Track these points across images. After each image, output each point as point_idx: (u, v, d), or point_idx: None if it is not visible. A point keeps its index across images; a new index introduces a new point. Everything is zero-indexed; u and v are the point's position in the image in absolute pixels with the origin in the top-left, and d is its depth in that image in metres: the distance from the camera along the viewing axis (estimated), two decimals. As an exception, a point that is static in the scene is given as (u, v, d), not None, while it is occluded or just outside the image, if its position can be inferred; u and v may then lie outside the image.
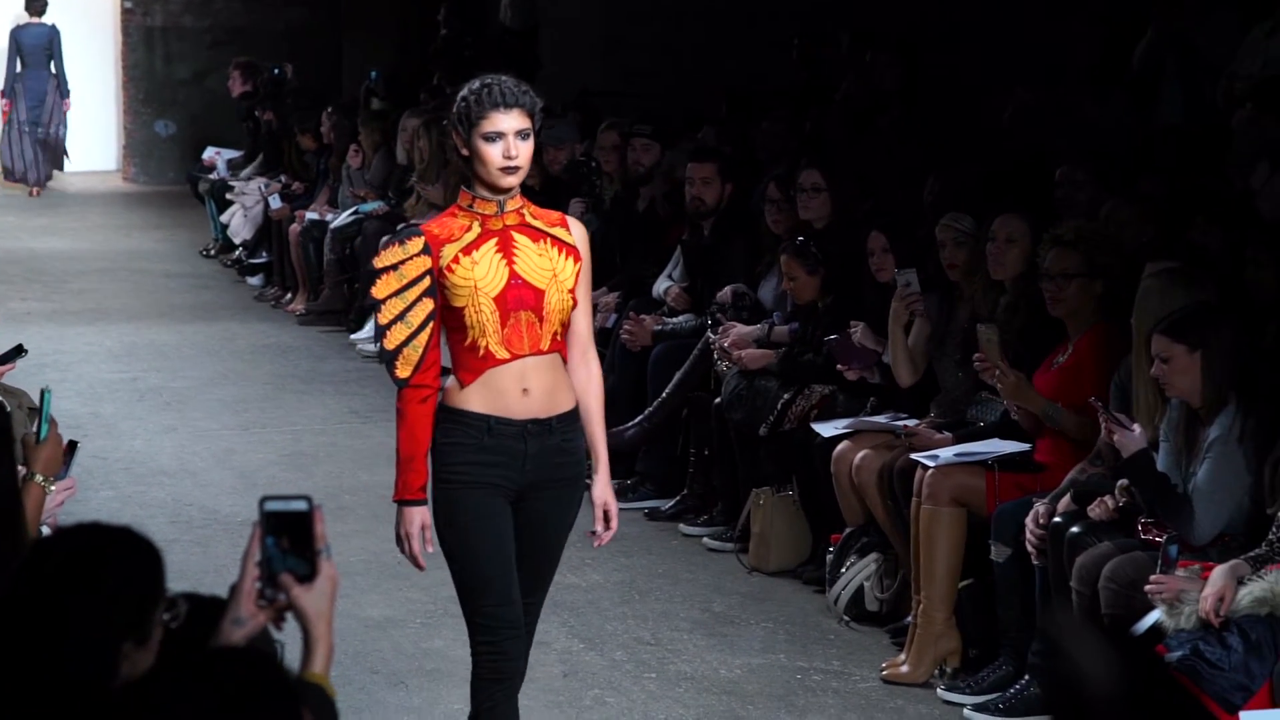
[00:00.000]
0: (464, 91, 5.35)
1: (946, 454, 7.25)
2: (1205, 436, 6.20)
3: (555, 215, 5.50)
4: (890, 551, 7.73)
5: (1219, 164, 8.61)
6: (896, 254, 8.14)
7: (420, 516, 5.40)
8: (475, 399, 5.34)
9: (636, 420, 9.31)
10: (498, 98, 5.28)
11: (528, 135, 5.33)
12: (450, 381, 5.40)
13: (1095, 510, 6.50)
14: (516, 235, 5.36)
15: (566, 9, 16.08)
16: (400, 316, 5.31)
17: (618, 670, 7.23)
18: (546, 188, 12.01)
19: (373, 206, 14.39)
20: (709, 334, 9.22)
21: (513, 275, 5.31)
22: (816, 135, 11.01)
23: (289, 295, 15.45)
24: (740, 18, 14.21)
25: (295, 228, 15.18)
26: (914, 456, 7.37)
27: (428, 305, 5.31)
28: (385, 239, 5.57)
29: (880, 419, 8.05)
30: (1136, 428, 6.33)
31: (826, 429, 8.10)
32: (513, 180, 5.35)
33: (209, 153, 18.32)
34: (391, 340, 5.33)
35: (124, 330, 14.12)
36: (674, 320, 9.81)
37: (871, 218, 8.83)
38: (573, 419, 5.44)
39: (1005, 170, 9.15)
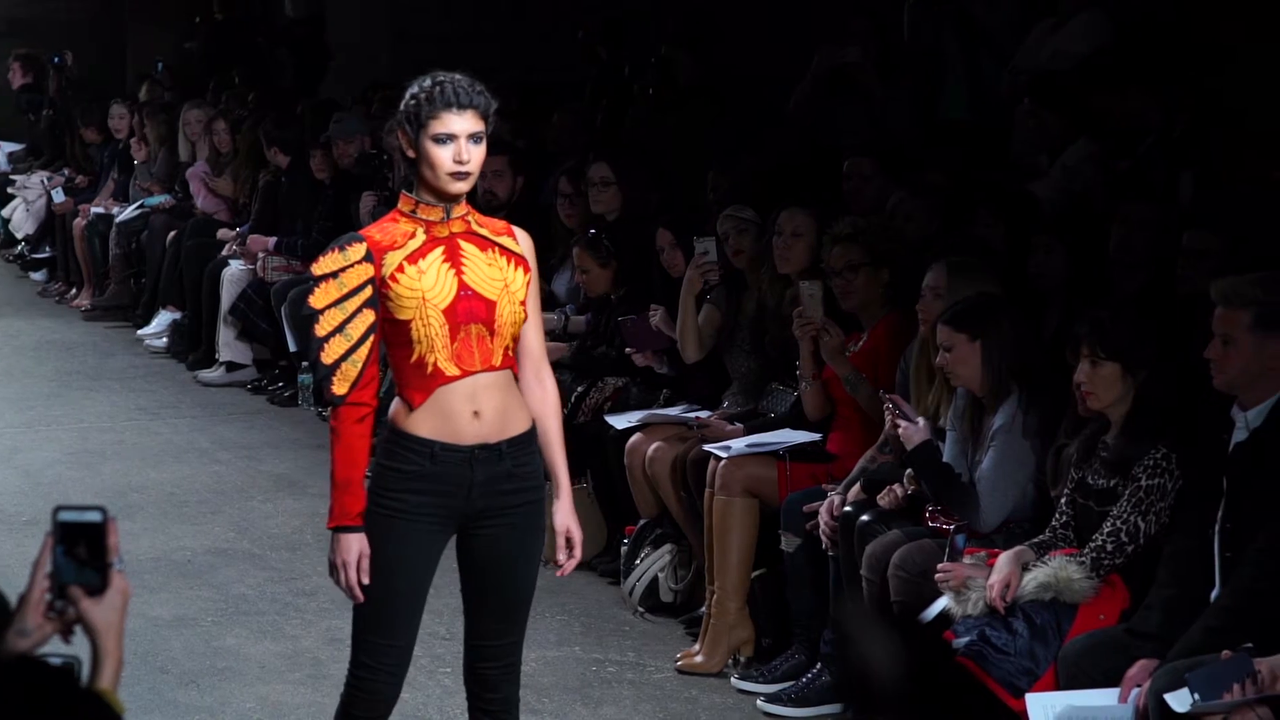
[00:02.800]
0: (414, 89, 4.98)
1: (738, 445, 7.31)
2: (989, 425, 6.32)
3: (500, 224, 5.14)
4: (684, 542, 7.79)
5: (1002, 156, 8.76)
6: (684, 249, 8.20)
7: (358, 544, 4.96)
8: (423, 422, 4.95)
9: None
10: (450, 97, 4.91)
11: (480, 139, 4.95)
12: (397, 403, 5.02)
13: (884, 499, 6.60)
14: (464, 244, 4.98)
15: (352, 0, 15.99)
16: (339, 328, 4.90)
17: (413, 665, 7.09)
18: (336, 181, 11.96)
19: (159, 200, 14.21)
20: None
21: (462, 286, 4.93)
22: (607, 128, 11.04)
23: (74, 290, 15.22)
24: (524, 9, 14.22)
25: (80, 222, 14.96)
26: (706, 448, 7.42)
27: (368, 317, 4.92)
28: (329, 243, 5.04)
29: (673, 411, 8.10)
30: (921, 420, 6.44)
31: (620, 421, 8.14)
32: (463, 186, 4.97)
33: (-12, 146, 17.97)
34: (329, 354, 4.90)
35: (-98, 327, 13.82)
36: (466, 314, 9.78)
37: (661, 210, 8.88)
38: (525, 443, 5.05)
39: (791, 163, 9.24)
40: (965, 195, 7.93)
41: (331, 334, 4.92)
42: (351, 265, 4.93)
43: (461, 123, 4.92)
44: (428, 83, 4.97)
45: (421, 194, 5.02)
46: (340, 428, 4.97)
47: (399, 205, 5.06)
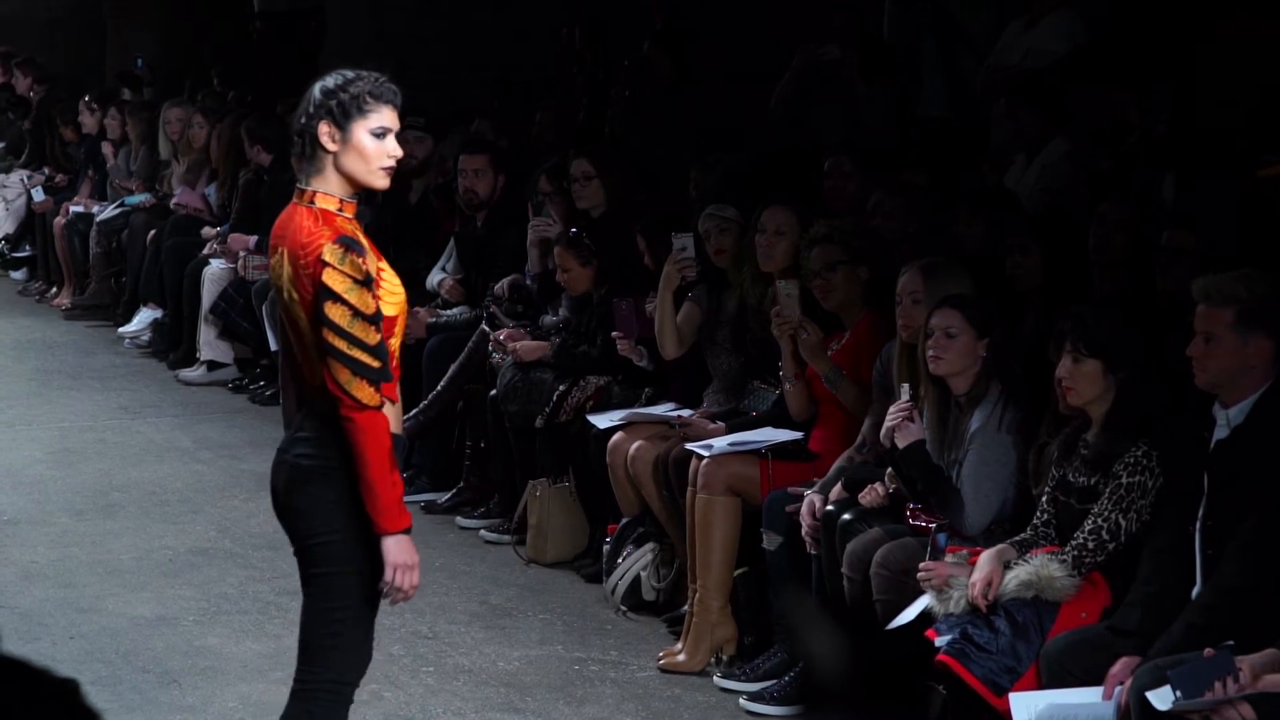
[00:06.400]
0: (340, 80, 4.85)
1: (720, 444, 7.31)
2: (967, 427, 6.31)
3: None
4: (666, 541, 7.79)
5: (979, 155, 8.76)
6: (657, 254, 8.20)
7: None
8: (392, 419, 4.90)
9: (412, 413, 9.26)
10: (389, 94, 4.85)
11: (396, 139, 4.93)
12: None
13: (866, 497, 6.60)
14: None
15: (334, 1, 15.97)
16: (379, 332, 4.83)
17: (395, 664, 7.19)
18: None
19: (139, 199, 14.17)
20: (484, 326, 9.22)
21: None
22: (589, 127, 11.04)
23: (54, 289, 15.19)
24: (505, 7, 14.20)
25: (60, 220, 14.92)
26: (689, 446, 7.43)
27: None
28: (340, 248, 4.78)
29: (655, 410, 8.11)
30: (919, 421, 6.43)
31: (602, 420, 8.14)
32: (386, 183, 4.94)
33: (-35, 145, 17.91)
34: (380, 357, 4.81)
35: (-118, 327, 13.79)
36: (448, 313, 9.80)
37: (645, 208, 8.87)
38: None
39: (773, 161, 9.24)
40: (944, 193, 7.93)
41: (381, 340, 4.81)
42: (369, 268, 4.83)
43: (395, 120, 4.89)
44: (363, 76, 4.88)
45: (339, 191, 4.89)
46: (377, 428, 4.84)
47: (319, 205, 4.88)
